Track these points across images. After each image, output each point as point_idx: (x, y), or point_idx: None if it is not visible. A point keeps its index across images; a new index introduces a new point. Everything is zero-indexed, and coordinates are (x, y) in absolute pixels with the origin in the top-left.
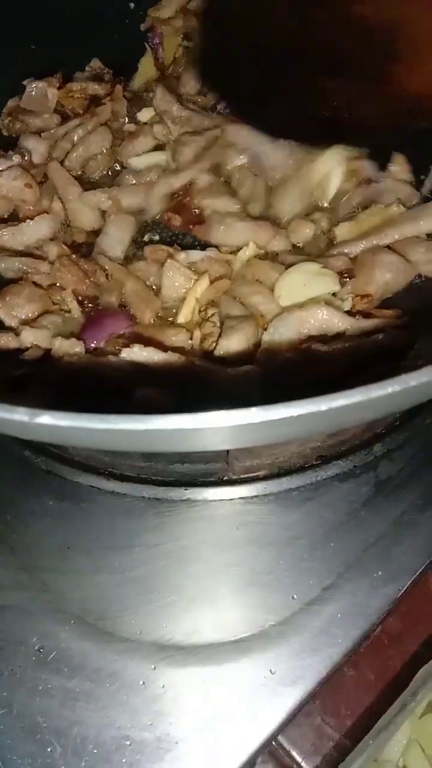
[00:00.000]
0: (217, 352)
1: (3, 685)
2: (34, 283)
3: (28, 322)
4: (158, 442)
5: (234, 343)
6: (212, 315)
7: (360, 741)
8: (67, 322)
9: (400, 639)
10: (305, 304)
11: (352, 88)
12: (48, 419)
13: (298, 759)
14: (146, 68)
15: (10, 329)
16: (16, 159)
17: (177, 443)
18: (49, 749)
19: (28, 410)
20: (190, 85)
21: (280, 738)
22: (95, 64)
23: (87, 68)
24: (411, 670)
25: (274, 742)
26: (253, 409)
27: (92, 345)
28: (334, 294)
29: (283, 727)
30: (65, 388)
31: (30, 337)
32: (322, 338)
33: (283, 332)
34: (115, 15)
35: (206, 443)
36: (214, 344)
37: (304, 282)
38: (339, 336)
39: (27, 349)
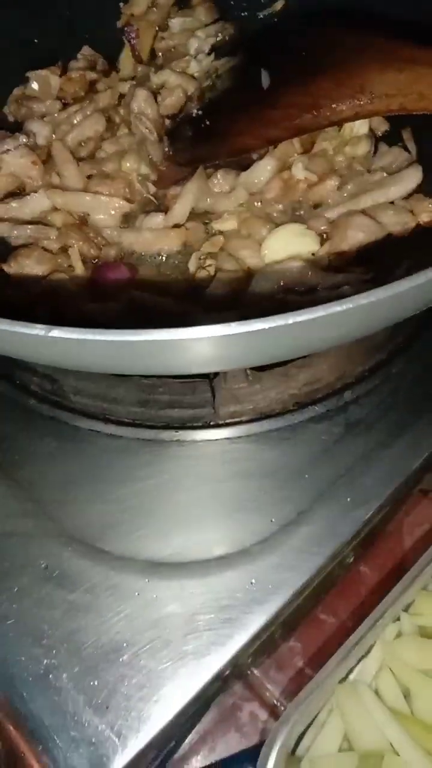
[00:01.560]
0: (204, 299)
1: (12, 599)
2: (43, 249)
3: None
4: (155, 355)
5: (220, 291)
6: (209, 265)
7: None
8: (72, 280)
9: (372, 586)
10: (285, 259)
11: None
12: (60, 333)
13: (279, 696)
14: (126, 62)
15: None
16: (22, 139)
17: (171, 357)
18: (53, 651)
19: (44, 326)
20: None
21: (262, 677)
22: (87, 51)
23: (79, 56)
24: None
25: (256, 681)
26: (233, 324)
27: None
28: (313, 254)
29: (267, 629)
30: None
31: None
32: (297, 291)
33: (264, 284)
34: (106, 13)
35: (196, 358)
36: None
37: (288, 241)
38: (312, 289)
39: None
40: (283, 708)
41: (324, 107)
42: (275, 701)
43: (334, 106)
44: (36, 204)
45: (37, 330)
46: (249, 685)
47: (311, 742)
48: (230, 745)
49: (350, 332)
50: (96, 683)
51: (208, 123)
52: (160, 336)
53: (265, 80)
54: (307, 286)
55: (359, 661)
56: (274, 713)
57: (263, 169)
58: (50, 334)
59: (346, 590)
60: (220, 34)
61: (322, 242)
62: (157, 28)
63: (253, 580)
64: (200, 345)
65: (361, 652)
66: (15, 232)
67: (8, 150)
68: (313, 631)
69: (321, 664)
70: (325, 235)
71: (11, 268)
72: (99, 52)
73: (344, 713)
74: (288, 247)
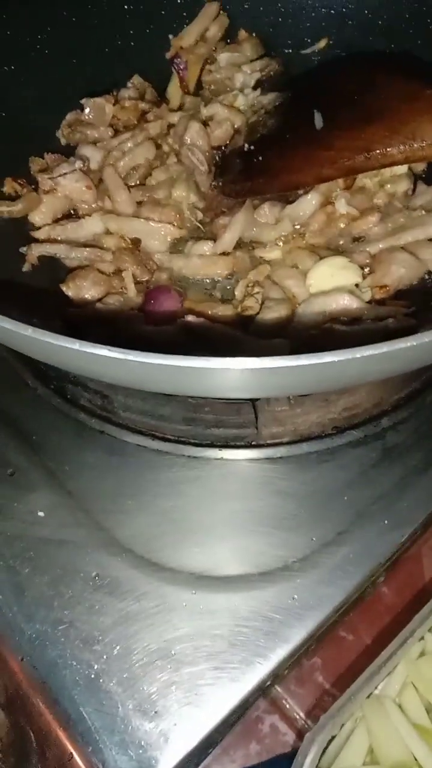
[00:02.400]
0: (253, 326)
1: (65, 605)
2: (98, 270)
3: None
4: (209, 380)
5: (268, 319)
6: (256, 293)
7: None
8: (126, 302)
9: (393, 607)
10: (331, 291)
11: None
12: (126, 355)
13: (301, 713)
14: (174, 92)
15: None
16: (78, 164)
17: (219, 383)
18: (104, 657)
19: (112, 348)
20: None
21: (284, 692)
22: (137, 80)
23: (129, 84)
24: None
25: (278, 695)
26: (277, 358)
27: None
28: (357, 285)
29: (306, 643)
30: None
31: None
32: (343, 320)
33: (310, 313)
34: (156, 44)
35: (235, 385)
36: (252, 316)
37: (332, 273)
38: (356, 319)
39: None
40: (303, 722)
41: (376, 151)
42: (296, 715)
43: (386, 150)
44: (90, 227)
45: (104, 351)
46: (270, 699)
47: (335, 755)
48: (250, 757)
49: (404, 366)
50: (144, 689)
51: (260, 158)
52: (217, 364)
53: (318, 121)
54: (352, 317)
55: (385, 677)
56: (295, 727)
57: (308, 203)
58: (116, 356)
59: (366, 610)
60: (265, 70)
61: (364, 275)
62: (204, 61)
63: (295, 596)
64: (254, 375)
65: (389, 669)
66: (72, 254)
67: (64, 174)
68: (333, 648)
69: (341, 681)
70: (367, 269)
71: (69, 289)
72: (148, 81)
73: (370, 727)
74: (333, 278)
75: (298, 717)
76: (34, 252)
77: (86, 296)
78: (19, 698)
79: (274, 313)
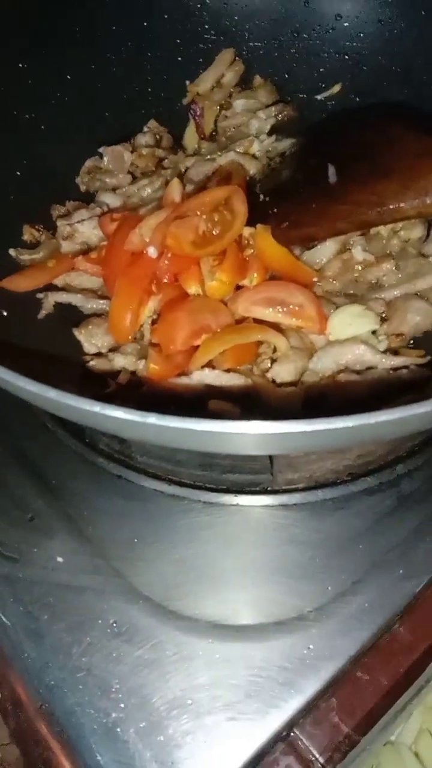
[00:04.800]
0: (270, 375)
1: (82, 652)
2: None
3: (105, 352)
4: (217, 441)
5: (284, 371)
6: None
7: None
8: (143, 350)
9: (410, 648)
10: (346, 341)
11: None
12: (154, 420)
13: (316, 754)
14: (190, 137)
15: (99, 355)
16: (97, 210)
17: (228, 443)
18: (121, 705)
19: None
20: None
21: (299, 732)
22: (152, 124)
23: (145, 128)
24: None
25: (294, 736)
26: (286, 422)
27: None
28: (374, 332)
29: (322, 694)
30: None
31: (121, 362)
32: (357, 370)
33: (325, 362)
34: (172, 90)
35: (251, 446)
36: (269, 367)
37: (350, 322)
38: (370, 369)
39: (116, 373)
40: (319, 763)
41: (390, 207)
42: (311, 756)
43: (399, 206)
44: None
45: (119, 413)
46: (286, 740)
47: None
48: None
49: (419, 428)
50: (162, 738)
51: (275, 211)
52: (227, 428)
53: (332, 176)
54: (365, 366)
55: (401, 724)
56: None
57: (326, 250)
58: (145, 421)
59: (383, 652)
60: (280, 115)
61: (381, 323)
62: (220, 107)
63: (311, 646)
64: (271, 438)
65: (405, 716)
66: (89, 304)
67: (83, 220)
68: (349, 688)
69: (357, 720)
70: (383, 315)
71: (81, 335)
72: (165, 127)
73: None
74: (349, 327)
75: (313, 758)
76: (51, 299)
77: (98, 345)
78: (39, 746)
79: (290, 363)
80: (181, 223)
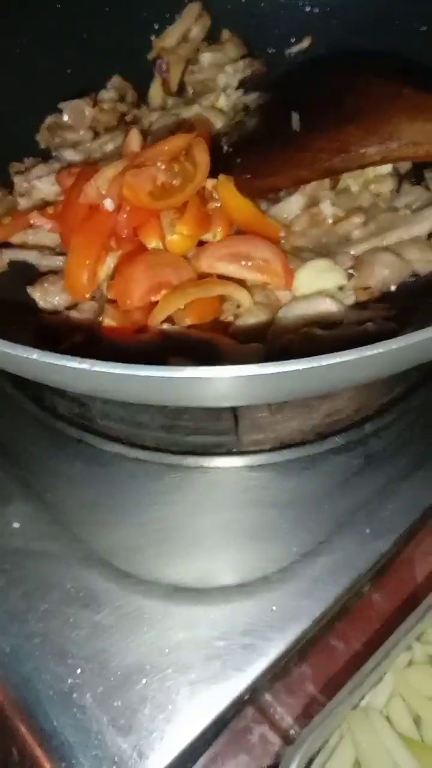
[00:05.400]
0: (232, 330)
1: (38, 618)
2: None
3: (61, 310)
4: (185, 391)
5: (247, 326)
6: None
7: None
8: (101, 308)
9: (383, 614)
10: (312, 295)
11: None
12: (101, 368)
13: (290, 720)
14: (155, 92)
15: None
16: (55, 166)
17: (194, 392)
18: (78, 670)
19: (82, 360)
20: None
21: (273, 701)
22: (116, 80)
23: (108, 85)
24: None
25: (267, 704)
26: (252, 366)
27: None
28: (341, 288)
29: (286, 656)
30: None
31: (77, 317)
32: (322, 324)
33: (290, 317)
34: (137, 45)
35: (221, 394)
36: (231, 320)
37: (317, 276)
38: (336, 323)
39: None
40: (293, 732)
41: (353, 152)
42: (285, 725)
43: (363, 151)
44: None
45: (77, 363)
46: (260, 709)
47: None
48: (239, 767)
49: (377, 373)
50: (119, 704)
51: (239, 161)
52: (191, 374)
53: (296, 123)
54: (332, 321)
55: (371, 688)
56: (285, 737)
57: (293, 205)
58: (93, 368)
59: (357, 617)
60: (248, 70)
61: (349, 277)
62: (187, 62)
63: (274, 607)
64: (226, 383)
65: (375, 679)
66: (45, 261)
67: (41, 176)
68: (324, 656)
69: (331, 689)
70: (351, 271)
71: (36, 292)
72: (129, 83)
73: (356, 739)
74: (316, 282)
75: (287, 726)
76: (4, 257)
77: (54, 302)
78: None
79: (253, 318)
80: (138, 173)
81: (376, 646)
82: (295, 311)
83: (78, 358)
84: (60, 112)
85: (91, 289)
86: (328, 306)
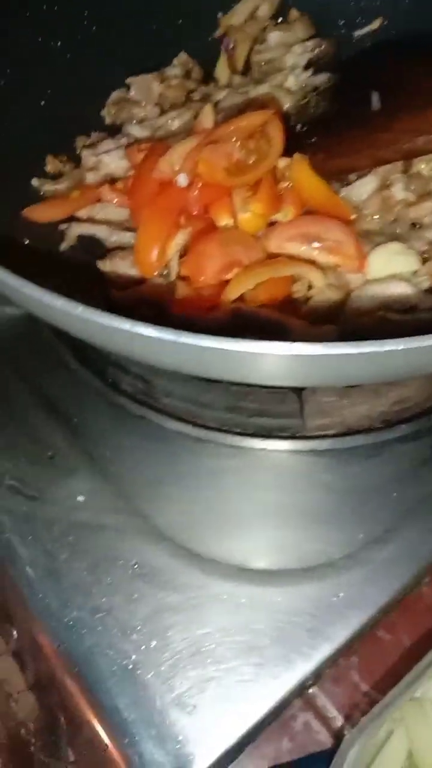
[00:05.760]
0: (304, 311)
1: (103, 593)
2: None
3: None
4: (255, 366)
5: (320, 304)
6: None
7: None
8: (168, 286)
9: None
10: (385, 278)
11: None
12: (184, 338)
13: (335, 712)
14: (222, 70)
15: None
16: (123, 140)
17: (257, 368)
18: (142, 647)
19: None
20: None
21: (318, 689)
22: (182, 57)
23: (175, 61)
24: None
25: (313, 693)
26: (317, 345)
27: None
28: (414, 272)
29: (350, 643)
30: None
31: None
32: (396, 309)
33: (364, 299)
34: (203, 22)
35: (280, 372)
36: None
37: (389, 259)
38: (412, 309)
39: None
40: (337, 721)
41: None
42: (329, 714)
43: None
44: None
45: (148, 330)
46: (305, 696)
47: (372, 758)
48: (282, 753)
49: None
50: (182, 682)
51: (313, 140)
52: (267, 349)
53: (376, 102)
54: (407, 305)
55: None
56: (328, 725)
57: (365, 187)
58: (180, 340)
59: (406, 609)
60: (316, 50)
61: (423, 262)
62: (254, 41)
63: (341, 594)
64: (298, 361)
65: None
66: (113, 237)
67: (109, 150)
68: (371, 647)
69: (377, 680)
70: (425, 255)
71: (106, 266)
72: (194, 60)
73: (410, 731)
74: (389, 265)
75: (332, 716)
76: (74, 231)
77: (124, 273)
78: (54, 685)
79: (325, 299)
80: (213, 149)
81: (425, 640)
82: (369, 294)
83: (151, 326)
84: (127, 88)
85: (160, 265)
86: (402, 289)
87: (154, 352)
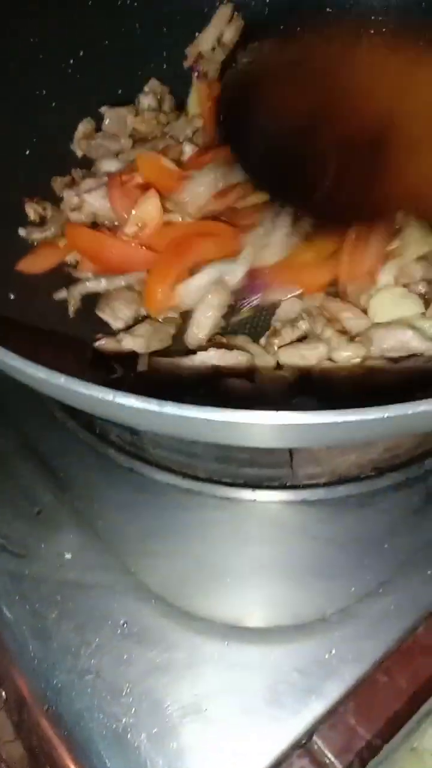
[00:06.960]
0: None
1: (91, 654)
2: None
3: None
4: (232, 433)
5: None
6: (300, 323)
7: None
8: (158, 330)
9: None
10: (391, 323)
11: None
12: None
13: (331, 757)
14: (193, 103)
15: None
16: (104, 180)
17: (245, 435)
18: (133, 710)
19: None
20: None
21: (314, 737)
22: (153, 84)
23: (146, 88)
24: None
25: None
26: (318, 413)
27: None
28: (424, 313)
29: (344, 701)
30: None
31: (129, 343)
32: (392, 357)
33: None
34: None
35: (269, 437)
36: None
37: (394, 302)
38: (410, 356)
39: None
40: (333, 765)
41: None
42: (326, 759)
43: None
44: None
45: (134, 402)
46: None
47: None
48: None
49: None
50: (175, 745)
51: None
52: (240, 418)
53: None
54: (408, 353)
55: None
56: None
57: None
58: (163, 410)
59: (402, 652)
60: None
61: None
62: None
63: (333, 650)
64: (282, 429)
65: (430, 722)
66: (113, 283)
67: (90, 190)
68: (367, 690)
69: (373, 723)
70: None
71: (106, 314)
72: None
73: None
74: (396, 308)
75: (328, 761)
76: (76, 293)
77: (124, 318)
78: (44, 751)
79: (314, 351)
80: None
81: (421, 683)
82: (371, 340)
83: (138, 397)
84: (92, 118)
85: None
86: (409, 338)
87: (138, 420)
